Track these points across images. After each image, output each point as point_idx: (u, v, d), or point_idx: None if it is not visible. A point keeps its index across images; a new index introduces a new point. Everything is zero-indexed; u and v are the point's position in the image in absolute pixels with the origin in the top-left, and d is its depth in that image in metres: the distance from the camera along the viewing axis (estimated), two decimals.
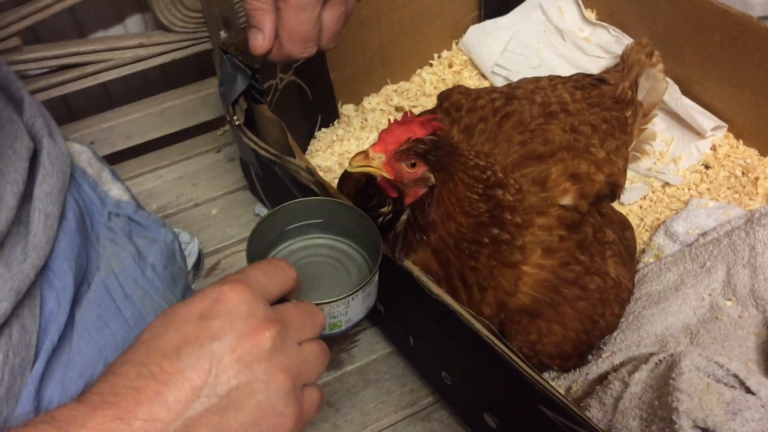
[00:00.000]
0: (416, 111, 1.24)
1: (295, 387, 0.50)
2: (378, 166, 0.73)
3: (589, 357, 0.86)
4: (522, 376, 0.67)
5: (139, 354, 0.47)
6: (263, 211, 1.18)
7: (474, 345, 0.73)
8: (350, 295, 0.68)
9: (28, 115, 0.75)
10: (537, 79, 1.04)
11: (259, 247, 0.75)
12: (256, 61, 0.93)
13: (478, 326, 0.71)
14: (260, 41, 0.70)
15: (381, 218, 0.79)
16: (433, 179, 0.75)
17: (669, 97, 1.17)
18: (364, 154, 0.73)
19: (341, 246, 0.79)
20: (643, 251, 1.04)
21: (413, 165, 0.73)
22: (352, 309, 0.70)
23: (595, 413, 0.75)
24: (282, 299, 0.56)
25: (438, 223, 0.76)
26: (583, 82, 1.05)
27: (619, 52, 1.22)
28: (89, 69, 1.09)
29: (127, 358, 0.48)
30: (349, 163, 0.73)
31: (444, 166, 0.74)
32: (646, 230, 1.08)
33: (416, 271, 0.76)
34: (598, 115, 0.99)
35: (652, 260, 1.02)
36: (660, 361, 0.73)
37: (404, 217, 0.78)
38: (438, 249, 0.77)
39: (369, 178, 0.81)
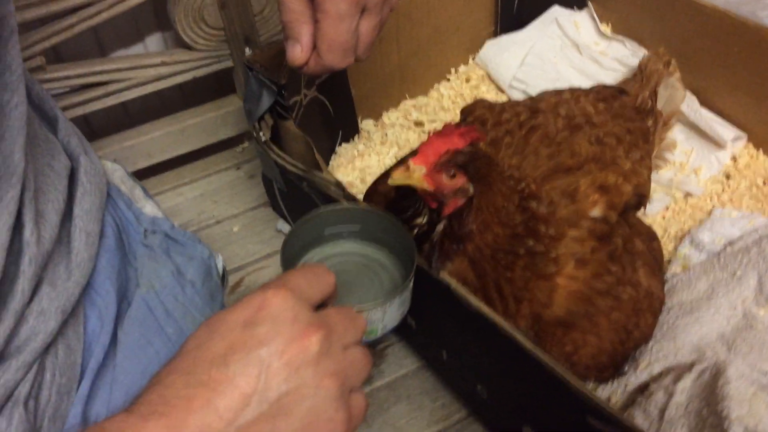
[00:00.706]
0: (435, 125, 1.25)
1: (343, 392, 0.49)
2: (419, 178, 0.73)
3: (625, 368, 0.86)
4: (569, 388, 0.67)
5: (185, 363, 0.47)
6: (285, 228, 1.18)
7: (515, 357, 0.72)
8: (388, 301, 0.68)
9: (63, 133, 0.75)
10: (559, 92, 1.04)
11: (292, 252, 0.75)
12: (285, 75, 0.93)
13: (521, 338, 0.70)
14: (298, 52, 0.70)
15: (416, 229, 0.79)
16: (471, 190, 0.75)
17: (688, 108, 1.17)
18: (405, 166, 0.73)
19: (373, 254, 0.79)
20: (669, 261, 1.04)
21: (453, 176, 0.74)
22: (389, 315, 0.70)
23: (639, 423, 0.74)
24: (320, 306, 0.56)
25: (476, 233, 0.76)
26: (604, 93, 1.05)
27: (635, 65, 1.23)
28: (112, 87, 1.09)
29: (173, 367, 0.47)
30: (391, 177, 0.73)
31: (482, 176, 0.74)
32: (670, 241, 1.08)
33: (453, 283, 0.76)
34: (622, 126, 0.99)
35: (679, 270, 1.02)
36: (704, 370, 0.73)
37: (440, 227, 0.78)
38: (475, 259, 0.77)
39: (400, 191, 0.81)
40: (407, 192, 0.77)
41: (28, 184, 0.61)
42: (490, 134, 0.94)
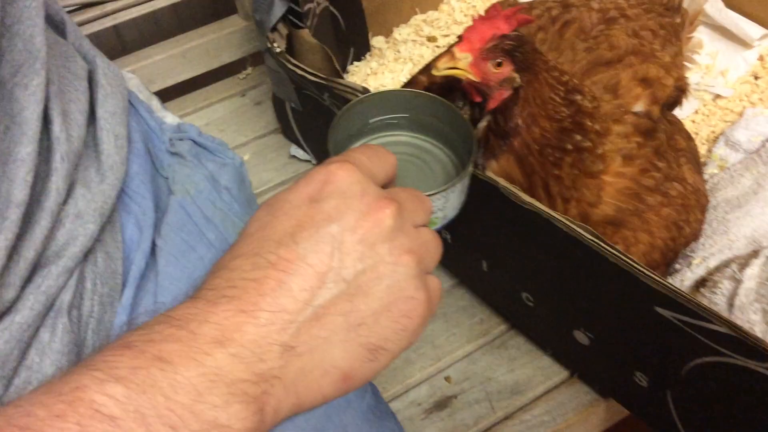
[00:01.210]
0: (449, 40, 1.19)
1: (420, 271, 0.45)
2: (465, 67, 0.68)
3: (677, 265, 0.83)
4: (636, 277, 0.63)
5: (250, 246, 0.42)
6: (299, 153, 1.12)
7: (572, 254, 0.68)
8: (449, 186, 0.62)
9: (73, 36, 0.69)
10: None
11: (339, 140, 0.68)
12: None
13: (581, 231, 0.66)
14: None
15: None
16: (518, 79, 0.70)
17: (712, 9, 1.13)
18: (450, 54, 0.68)
19: (424, 144, 0.73)
20: (705, 163, 1.01)
21: (499, 64, 0.69)
22: (450, 204, 0.64)
23: None
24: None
25: (522, 128, 0.71)
26: None
27: None
28: (108, 7, 1.01)
29: (236, 251, 0.42)
30: (435, 66, 0.68)
31: (529, 65, 0.69)
32: (703, 143, 1.05)
33: (502, 182, 0.71)
34: (655, 20, 0.94)
35: (716, 171, 0.98)
36: None
37: (483, 123, 0.73)
38: (522, 156, 0.73)
39: (438, 87, 0.76)
40: (446, 87, 0.72)
41: (52, 77, 0.55)
42: (522, 31, 0.89)
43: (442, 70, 0.68)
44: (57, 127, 0.54)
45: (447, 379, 0.87)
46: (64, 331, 0.52)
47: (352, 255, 0.42)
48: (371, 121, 0.72)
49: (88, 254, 0.55)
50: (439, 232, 0.70)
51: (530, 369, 0.88)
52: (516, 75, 0.70)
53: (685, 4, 1.06)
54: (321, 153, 1.09)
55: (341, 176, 0.44)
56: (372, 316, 0.42)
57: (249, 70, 1.25)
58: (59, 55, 0.64)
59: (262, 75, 1.24)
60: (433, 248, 0.49)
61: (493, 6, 0.69)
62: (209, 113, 1.19)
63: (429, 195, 0.60)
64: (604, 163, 0.77)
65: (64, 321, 0.52)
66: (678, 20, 1.01)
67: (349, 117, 0.69)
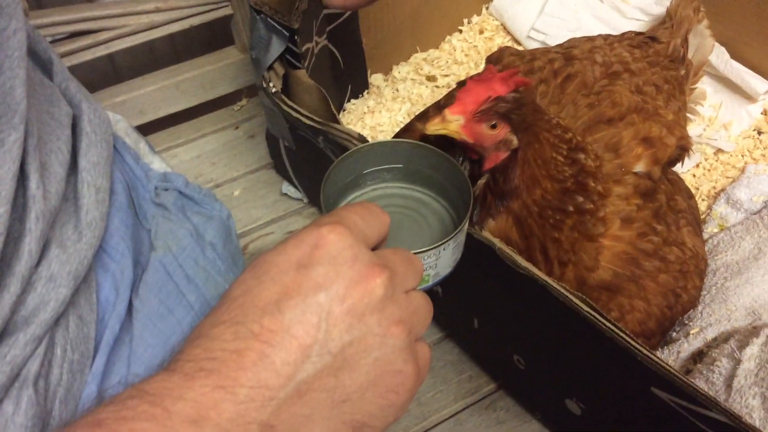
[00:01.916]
0: (448, 80, 1.17)
1: (410, 341, 0.43)
2: (456, 129, 0.66)
3: (673, 334, 0.80)
4: (633, 356, 0.60)
5: (232, 312, 0.40)
6: (291, 191, 1.10)
7: (566, 324, 0.66)
8: (443, 244, 0.59)
9: (60, 77, 0.67)
10: (591, 38, 0.97)
11: (332, 193, 0.66)
12: (297, 19, 0.85)
13: (577, 301, 0.64)
14: None
15: None
16: (516, 141, 0.68)
17: (717, 60, 1.11)
18: (441, 117, 0.66)
19: (419, 196, 0.70)
20: (705, 221, 0.99)
21: (494, 126, 0.66)
22: (442, 261, 0.62)
23: None
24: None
25: (522, 189, 0.69)
26: (636, 40, 0.98)
27: (658, 14, 1.16)
28: (102, 36, 0.99)
29: (217, 318, 0.40)
30: (426, 127, 0.66)
31: (528, 125, 0.67)
32: (703, 199, 1.03)
33: (498, 243, 0.69)
34: (659, 74, 0.93)
35: (716, 230, 0.96)
36: None
37: (482, 181, 0.71)
38: (521, 217, 0.70)
39: (436, 139, 0.73)
40: (445, 138, 0.70)
41: (31, 129, 0.52)
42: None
43: (432, 130, 0.66)
44: (34, 184, 0.51)
45: None
46: (29, 404, 0.49)
47: (339, 326, 0.40)
48: (366, 171, 0.69)
49: (59, 318, 0.53)
50: (430, 290, 0.67)
51: None
52: (513, 137, 0.68)
53: (689, 55, 1.04)
54: (313, 193, 1.06)
55: (332, 240, 0.42)
56: (358, 391, 0.40)
57: (244, 101, 1.22)
58: (44, 99, 0.61)
59: (257, 107, 1.21)
60: (424, 314, 0.47)
61: (488, 68, 0.67)
62: (201, 145, 1.16)
63: (420, 252, 0.58)
64: (605, 226, 0.75)
65: (29, 393, 0.49)
66: (682, 72, 1.00)
67: (344, 167, 0.66)
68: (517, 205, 0.70)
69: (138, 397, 0.36)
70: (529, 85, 0.68)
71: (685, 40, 1.03)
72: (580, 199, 0.71)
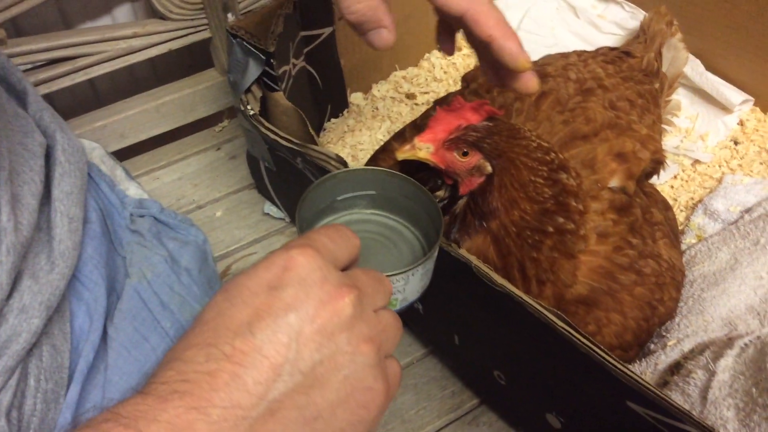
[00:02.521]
0: (428, 98, 1.18)
1: (379, 358, 0.44)
2: (425, 156, 0.67)
3: (651, 345, 0.81)
4: (608, 371, 0.61)
5: (204, 335, 0.41)
6: (273, 210, 1.10)
7: (543, 340, 0.66)
8: (411, 269, 0.60)
9: (35, 107, 0.67)
10: (565, 55, 0.98)
11: (307, 217, 0.67)
12: (273, 42, 0.86)
13: (552, 318, 0.64)
14: (387, 37, 0.62)
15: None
16: (489, 168, 0.68)
17: (692, 72, 1.13)
18: (411, 144, 0.66)
19: (391, 223, 0.71)
20: (683, 232, 1.00)
21: (465, 154, 0.67)
22: (411, 286, 0.63)
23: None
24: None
25: (501, 211, 0.70)
26: (610, 55, 1.00)
27: (633, 28, 1.18)
28: (80, 63, 1.00)
29: (190, 341, 0.41)
30: (396, 154, 0.67)
31: (503, 152, 0.68)
32: (681, 210, 1.04)
33: (475, 261, 0.69)
34: (633, 89, 0.94)
35: (694, 241, 0.97)
36: (746, 344, 0.68)
37: (463, 201, 0.72)
38: (499, 237, 0.71)
39: (418, 163, 0.74)
40: (423, 163, 0.71)
41: (2, 162, 0.53)
42: (498, 100, 0.88)
43: (402, 156, 0.67)
44: (5, 217, 0.52)
45: None
46: None
47: (309, 345, 0.41)
48: (340, 197, 0.70)
49: (32, 348, 0.53)
50: (410, 310, 0.68)
51: None
52: (486, 163, 0.68)
53: (664, 68, 1.05)
54: (294, 213, 1.07)
55: (301, 262, 0.43)
56: (328, 408, 0.41)
57: (225, 122, 1.23)
58: (17, 130, 0.62)
59: (238, 128, 1.22)
60: (393, 332, 0.48)
61: (456, 98, 0.68)
62: (183, 167, 1.17)
63: (389, 276, 0.59)
64: (585, 243, 0.76)
65: (1, 424, 0.49)
66: (657, 85, 1.01)
67: (319, 192, 0.67)
68: (495, 225, 0.71)
69: (112, 420, 0.37)
70: (500, 114, 0.69)
71: (659, 54, 1.04)
72: (561, 219, 0.71)
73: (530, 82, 0.65)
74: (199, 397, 0.37)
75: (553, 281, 0.74)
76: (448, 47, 0.73)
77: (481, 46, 0.62)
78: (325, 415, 0.41)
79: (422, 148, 0.67)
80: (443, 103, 0.92)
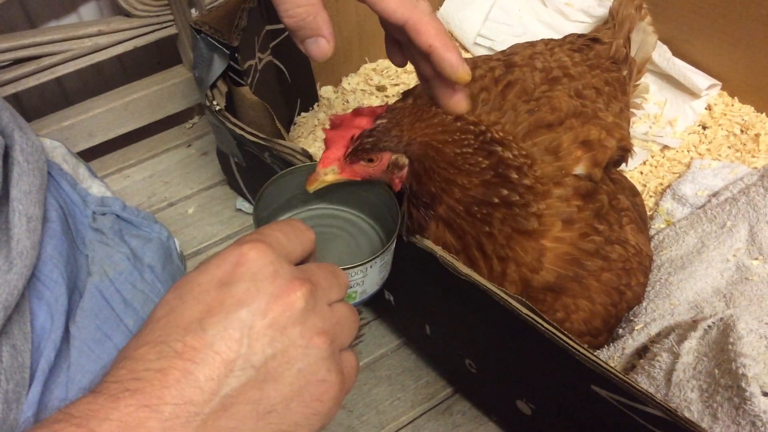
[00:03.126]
0: (399, 89, 1.18)
1: (333, 351, 0.45)
2: (334, 178, 0.66)
3: (620, 330, 0.81)
4: (572, 356, 0.61)
5: (156, 333, 0.41)
6: (245, 206, 1.10)
7: (509, 327, 0.67)
8: (369, 261, 0.61)
9: None
10: (532, 44, 0.98)
11: (264, 215, 0.68)
12: (237, 37, 0.85)
13: (517, 305, 0.65)
14: (326, 47, 0.61)
15: None
16: (404, 159, 0.67)
17: (659, 58, 1.13)
18: (315, 175, 0.65)
19: (349, 216, 0.72)
20: (652, 217, 1.00)
21: (371, 160, 0.66)
22: (369, 278, 0.64)
23: (645, 388, 0.69)
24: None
25: (440, 194, 0.69)
26: (577, 43, 1.00)
27: (602, 15, 1.18)
28: (45, 62, 0.99)
29: (142, 339, 0.41)
30: (307, 189, 0.66)
31: (411, 140, 0.66)
32: (651, 196, 1.04)
33: (439, 251, 0.70)
34: (600, 77, 0.94)
35: (663, 226, 0.98)
36: (710, 326, 0.68)
37: (404, 199, 0.71)
38: (449, 220, 0.70)
39: None
40: None
41: None
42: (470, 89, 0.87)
43: (314, 187, 0.66)
44: None
45: None
46: None
47: (261, 340, 0.41)
48: (298, 193, 0.70)
49: None
50: (382, 301, 0.68)
51: None
52: (399, 157, 0.67)
53: (633, 52, 1.06)
54: None
55: (253, 257, 0.43)
56: (282, 402, 0.42)
57: (195, 119, 1.22)
58: None
59: (209, 124, 1.21)
60: (349, 325, 0.48)
61: (334, 116, 0.67)
62: (153, 164, 1.16)
63: (346, 269, 0.59)
64: (540, 222, 0.75)
65: None
66: (625, 72, 1.01)
67: (275, 189, 0.68)
68: (441, 210, 0.70)
69: (64, 420, 0.37)
70: (382, 111, 0.67)
71: (628, 39, 1.04)
72: (505, 191, 0.70)
73: (461, 102, 0.66)
74: (151, 395, 0.38)
75: (516, 261, 0.73)
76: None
77: (421, 57, 0.62)
78: (279, 409, 0.41)
79: (328, 173, 0.65)
80: (409, 95, 0.93)
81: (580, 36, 1.02)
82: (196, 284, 0.43)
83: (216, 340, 0.40)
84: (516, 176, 0.71)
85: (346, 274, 0.56)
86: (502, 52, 0.99)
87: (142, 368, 0.39)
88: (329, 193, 0.70)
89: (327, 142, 0.66)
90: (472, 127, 0.68)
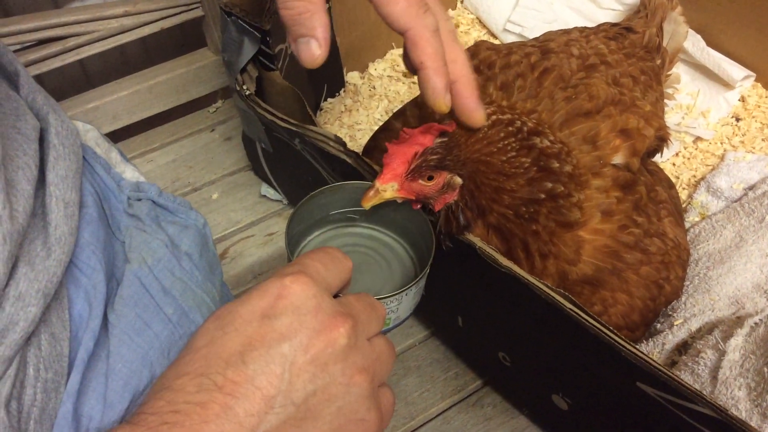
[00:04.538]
0: None
1: (373, 389, 0.44)
2: (392, 195, 0.64)
3: (658, 325, 0.80)
4: (618, 352, 0.60)
5: (196, 363, 0.40)
6: (270, 192, 1.08)
7: (550, 321, 0.65)
8: (405, 290, 0.61)
9: (26, 90, 0.65)
10: (567, 32, 0.96)
11: (297, 231, 0.68)
12: (269, 20, 0.83)
13: (560, 299, 0.63)
14: (316, 51, 0.56)
15: None
16: (459, 180, 0.66)
17: (693, 48, 1.11)
18: (374, 189, 0.64)
19: (382, 237, 0.71)
20: (686, 210, 0.99)
21: (430, 178, 0.64)
22: (404, 305, 0.64)
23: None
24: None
25: (489, 204, 0.67)
26: (612, 31, 0.98)
27: (633, 3, 1.16)
28: (71, 43, 0.97)
29: (181, 369, 0.40)
30: (363, 204, 0.64)
31: (467, 159, 0.65)
32: (684, 188, 1.03)
33: (479, 243, 0.68)
34: (636, 66, 0.92)
35: (697, 219, 0.96)
36: (756, 323, 0.67)
37: (442, 216, 0.69)
38: (500, 226, 0.69)
39: None
40: None
41: None
42: (500, 78, 0.85)
43: (370, 203, 0.64)
44: (0, 204, 0.50)
45: None
46: (1, 426, 0.47)
47: (302, 376, 0.41)
48: (332, 213, 0.70)
49: (30, 337, 0.51)
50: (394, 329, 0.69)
51: (506, 429, 0.84)
52: (453, 177, 0.65)
53: (664, 43, 1.04)
54: (292, 194, 1.05)
55: (295, 291, 0.43)
56: None
57: (219, 103, 1.21)
58: (9, 113, 0.60)
59: (233, 109, 1.20)
60: (386, 359, 0.48)
61: (403, 130, 0.65)
62: (177, 149, 1.15)
63: (383, 298, 0.60)
64: (582, 212, 0.74)
65: (1, 415, 0.48)
66: (658, 62, 0.99)
67: (309, 207, 0.68)
68: (493, 218, 0.69)
69: None
70: (451, 129, 0.65)
71: (660, 29, 1.02)
72: (549, 184, 0.68)
73: (478, 115, 0.62)
74: (190, 429, 0.37)
75: (555, 254, 0.72)
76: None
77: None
78: None
79: (387, 189, 0.64)
80: (400, 116, 0.90)
81: (613, 25, 1.00)
82: (238, 315, 0.42)
83: (257, 374, 0.40)
84: (557, 165, 0.69)
85: (383, 305, 0.55)
86: (536, 39, 0.97)
87: (182, 400, 0.38)
88: (362, 212, 0.68)
89: (387, 158, 0.64)
90: (510, 128, 0.67)
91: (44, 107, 0.63)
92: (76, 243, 0.57)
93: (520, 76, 0.86)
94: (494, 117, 0.67)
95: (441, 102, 0.58)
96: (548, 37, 0.95)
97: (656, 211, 0.83)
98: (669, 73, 1.06)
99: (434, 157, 0.63)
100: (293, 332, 0.41)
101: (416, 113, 0.85)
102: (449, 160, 0.64)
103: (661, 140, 0.87)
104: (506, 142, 0.67)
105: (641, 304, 0.78)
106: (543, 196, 0.69)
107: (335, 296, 0.48)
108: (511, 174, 0.67)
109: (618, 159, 0.79)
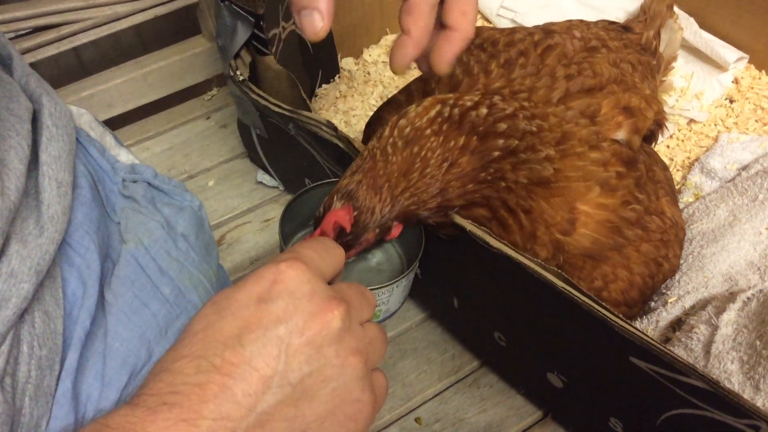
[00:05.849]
0: None
1: (367, 371, 0.45)
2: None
3: (652, 303, 0.80)
4: (611, 328, 0.60)
5: (194, 346, 0.41)
6: (266, 179, 1.09)
7: (544, 299, 0.66)
8: (395, 282, 0.63)
9: (19, 72, 0.65)
10: (568, 21, 0.97)
11: (290, 227, 0.70)
12: (262, 4, 0.84)
13: (552, 277, 0.63)
14: (319, 24, 0.56)
15: None
16: (390, 222, 0.64)
17: (687, 31, 1.11)
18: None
19: None
20: (680, 191, 0.99)
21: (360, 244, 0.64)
22: (394, 297, 0.65)
23: None
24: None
25: (443, 203, 0.66)
26: (610, 27, 0.98)
27: (633, 10, 1.16)
28: (65, 30, 0.97)
29: (179, 352, 0.41)
30: None
31: (393, 211, 0.64)
32: (678, 170, 1.03)
33: (468, 225, 0.68)
34: (633, 56, 0.92)
35: (691, 199, 0.97)
36: (749, 298, 0.67)
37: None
38: (467, 202, 0.68)
39: None
40: None
41: None
42: (503, 55, 0.85)
43: None
44: None
45: (417, 420, 0.84)
46: None
47: (298, 357, 0.42)
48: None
49: (24, 315, 0.52)
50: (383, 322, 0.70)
51: (503, 409, 0.85)
52: (380, 226, 0.64)
53: (661, 49, 1.04)
54: (288, 180, 1.05)
55: (291, 275, 0.44)
56: (317, 420, 0.42)
57: (214, 91, 1.21)
58: (2, 95, 0.60)
59: (228, 96, 1.20)
60: (379, 345, 0.49)
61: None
62: (172, 137, 1.15)
63: (374, 289, 0.61)
64: (553, 165, 0.72)
65: None
66: (654, 62, 1.00)
67: (301, 203, 0.68)
68: (458, 203, 0.68)
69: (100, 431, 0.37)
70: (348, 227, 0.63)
71: (658, 34, 1.03)
72: (501, 141, 0.66)
73: (445, 63, 0.61)
74: (189, 409, 0.38)
75: (543, 219, 0.71)
76: (424, 67, 0.68)
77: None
78: (313, 427, 0.42)
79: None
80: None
81: (612, 22, 1.01)
82: (234, 300, 0.43)
83: (254, 356, 0.40)
84: (505, 126, 0.66)
85: (374, 295, 0.56)
86: (536, 25, 0.97)
87: (180, 382, 0.39)
88: None
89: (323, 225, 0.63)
90: (434, 126, 0.65)
91: (37, 89, 0.63)
92: (69, 223, 0.58)
93: (523, 54, 0.86)
94: (416, 145, 0.64)
95: (400, 69, 0.60)
96: (550, 22, 0.96)
97: (655, 190, 0.83)
98: (663, 79, 1.06)
99: (348, 238, 0.62)
100: (289, 315, 0.42)
101: (421, 87, 0.85)
102: (365, 226, 0.62)
103: (658, 125, 0.87)
104: (426, 155, 0.65)
105: (640, 281, 0.78)
106: (497, 153, 0.66)
107: (328, 284, 0.49)
108: (444, 168, 0.65)
109: (620, 135, 0.79)
